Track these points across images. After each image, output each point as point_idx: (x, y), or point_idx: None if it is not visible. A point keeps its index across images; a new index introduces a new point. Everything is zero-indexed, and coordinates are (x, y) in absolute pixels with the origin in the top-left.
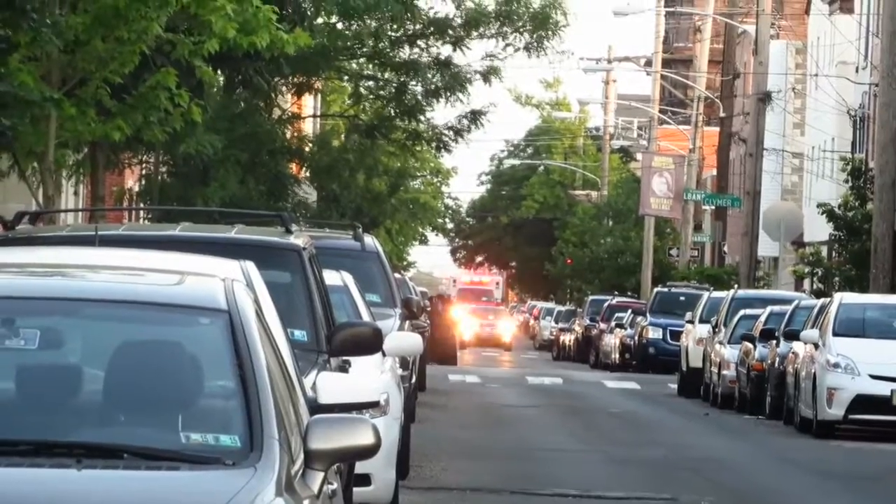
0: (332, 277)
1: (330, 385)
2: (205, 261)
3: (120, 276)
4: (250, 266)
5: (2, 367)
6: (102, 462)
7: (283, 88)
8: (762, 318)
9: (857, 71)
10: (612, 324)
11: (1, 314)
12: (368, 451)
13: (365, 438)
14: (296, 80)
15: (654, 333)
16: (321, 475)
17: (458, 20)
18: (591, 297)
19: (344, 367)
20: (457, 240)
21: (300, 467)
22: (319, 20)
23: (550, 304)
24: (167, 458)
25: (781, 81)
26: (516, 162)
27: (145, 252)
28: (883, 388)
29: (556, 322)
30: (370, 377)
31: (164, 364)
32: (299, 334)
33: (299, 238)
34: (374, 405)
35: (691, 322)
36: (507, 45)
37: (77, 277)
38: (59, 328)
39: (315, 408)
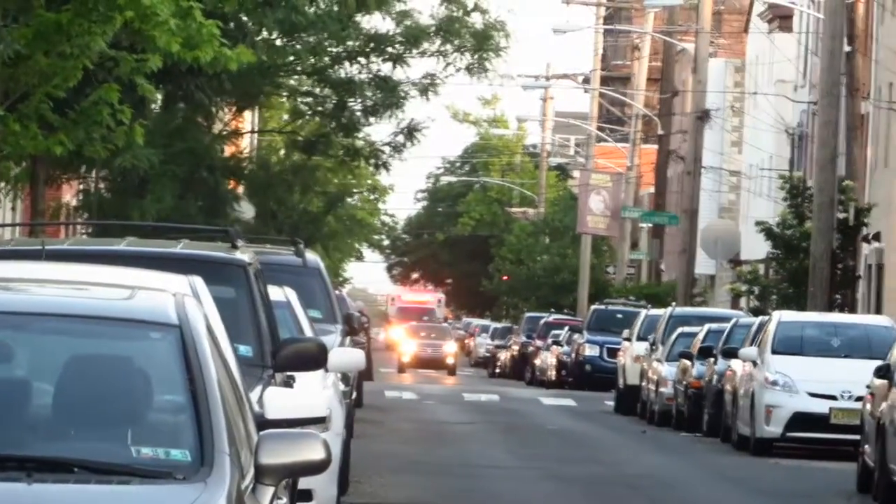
0: (274, 293)
1: (277, 400)
2: (154, 276)
3: (70, 291)
4: (198, 281)
5: None
6: (53, 476)
7: (224, 105)
8: (700, 336)
9: (795, 89)
10: (549, 341)
11: None
12: (319, 467)
13: (316, 454)
14: (236, 96)
15: (590, 351)
16: (271, 490)
17: (399, 38)
18: (527, 315)
19: (288, 383)
20: (393, 256)
21: (250, 482)
22: (259, 37)
23: (486, 322)
24: (118, 473)
25: (720, 99)
26: (453, 179)
27: (93, 266)
28: (821, 406)
29: (492, 339)
30: (316, 393)
31: (114, 378)
32: (244, 349)
33: (245, 253)
34: (321, 421)
35: (629, 339)
36: (448, 64)
37: (26, 292)
38: (9, 342)
39: (262, 423)
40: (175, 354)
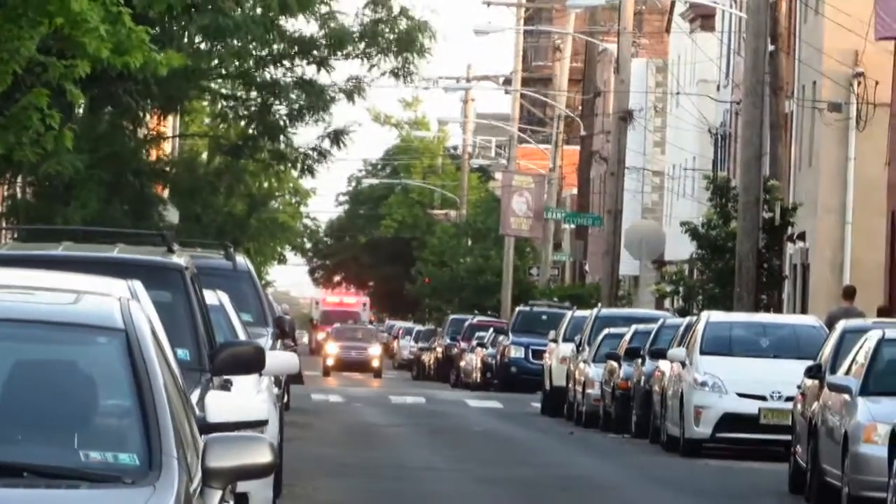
0: (208, 297)
1: (218, 404)
2: (96, 280)
3: (13, 295)
4: (138, 285)
5: None
6: (2, 480)
7: (150, 109)
8: (627, 337)
9: (718, 89)
10: (474, 343)
11: None
12: (266, 470)
13: (263, 457)
14: (161, 100)
15: (516, 352)
16: (219, 493)
17: (323, 41)
18: (451, 317)
19: (226, 386)
20: (315, 259)
21: (198, 485)
22: (185, 41)
23: (410, 324)
24: (67, 477)
25: (642, 100)
26: (375, 181)
27: (33, 271)
28: (750, 407)
29: (416, 341)
30: (254, 396)
31: (61, 383)
32: (182, 353)
33: (181, 257)
34: (263, 423)
35: (554, 341)
36: (373, 66)
37: None
38: None
39: (204, 426)
40: (121, 359)
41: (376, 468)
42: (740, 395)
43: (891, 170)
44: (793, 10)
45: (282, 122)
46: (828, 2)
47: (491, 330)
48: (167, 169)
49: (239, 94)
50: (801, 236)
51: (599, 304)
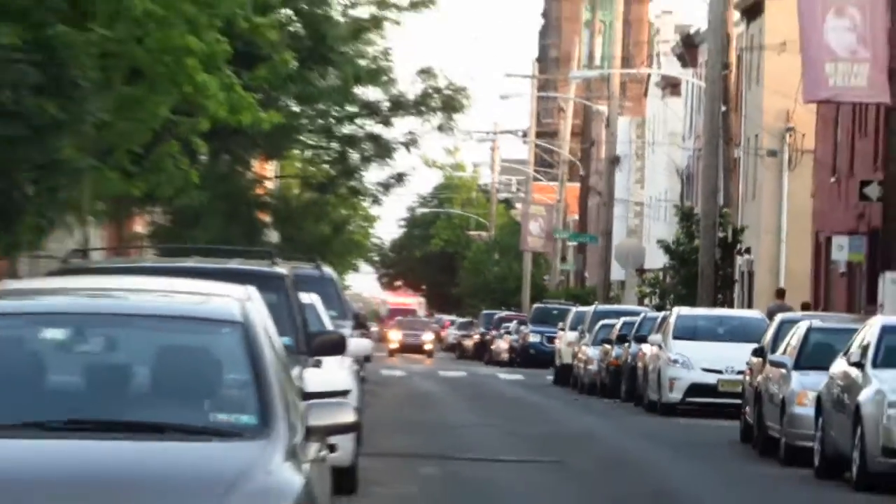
0: (302, 298)
1: (313, 378)
2: (219, 286)
3: (158, 297)
4: (252, 289)
5: (75, 365)
6: (151, 436)
7: (256, 156)
8: (617, 327)
9: (683, 140)
10: (502, 331)
11: (74, 326)
12: (351, 427)
13: (348, 417)
14: (265, 149)
15: (534, 338)
16: (316, 445)
17: (386, 104)
18: (484, 312)
19: (318, 365)
20: (381, 269)
21: (300, 439)
22: (282, 104)
23: (454, 317)
24: (201, 433)
25: (627, 148)
26: (426, 210)
27: (171, 279)
28: (711, 378)
29: (459, 330)
30: (340, 372)
31: (195, 363)
32: (286, 340)
33: (282, 268)
34: (347, 392)
35: (563, 329)
36: (424, 122)
37: (126, 298)
38: (115, 337)
39: (302, 395)
40: (240, 344)
41: (429, 424)
42: (703, 369)
43: (814, 201)
44: (740, 81)
45: (356, 166)
46: (766, 74)
47: (514, 321)
48: (269, 201)
49: (323, 144)
50: (748, 251)
51: (596, 302)
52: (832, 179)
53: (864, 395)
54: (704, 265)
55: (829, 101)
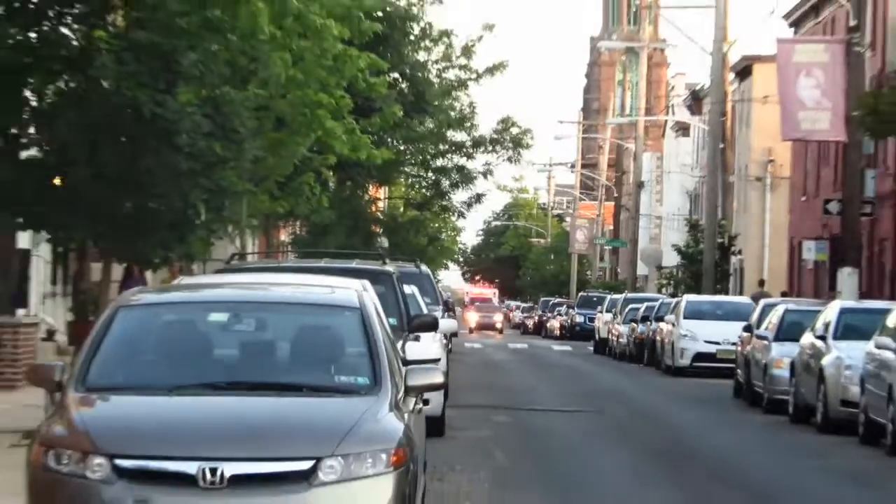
0: (406, 289)
1: (412, 349)
2: (342, 280)
3: (297, 289)
4: (367, 283)
5: (234, 341)
6: (291, 393)
7: (371, 183)
8: (642, 309)
9: (692, 169)
10: (555, 313)
11: (234, 311)
12: (440, 387)
13: (438, 379)
14: (378, 178)
15: (579, 318)
16: (413, 400)
17: (469, 143)
18: (542, 298)
19: (416, 339)
20: (465, 267)
21: (402, 395)
22: (391, 143)
23: (519, 302)
24: (328, 391)
25: (649, 175)
26: (498, 223)
27: (307, 276)
28: (712, 348)
29: (522, 312)
30: (433, 345)
31: (324, 338)
32: (392, 320)
33: (391, 266)
34: (437, 360)
35: (601, 312)
36: (499, 156)
37: (273, 290)
38: (265, 319)
39: (404, 362)
40: (358, 325)
41: (502, 385)
42: (706, 341)
43: (790, 215)
44: (734, 125)
45: (446, 190)
46: (753, 120)
47: (564, 306)
48: (381, 217)
49: (421, 174)
50: (739, 252)
51: (626, 291)
52: (803, 198)
53: (826, 360)
54: (707, 263)
55: (801, 139)
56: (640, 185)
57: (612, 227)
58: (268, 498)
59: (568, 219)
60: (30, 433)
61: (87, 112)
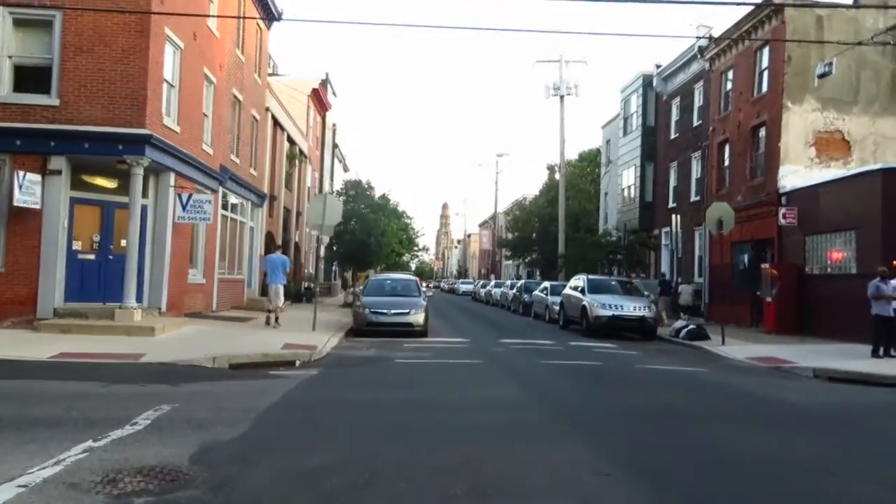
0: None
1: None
2: (406, 273)
3: (398, 275)
4: (412, 276)
5: (391, 286)
6: (405, 296)
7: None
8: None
9: None
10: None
11: (389, 279)
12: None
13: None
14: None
15: None
16: (426, 302)
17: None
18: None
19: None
20: None
21: (425, 301)
22: None
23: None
24: (412, 297)
25: None
26: None
27: (396, 273)
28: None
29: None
30: (425, 294)
31: (408, 285)
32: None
33: (411, 274)
34: (427, 298)
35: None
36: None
37: (393, 275)
38: (396, 281)
39: (425, 297)
40: (415, 284)
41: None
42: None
43: None
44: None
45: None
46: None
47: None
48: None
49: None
50: None
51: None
52: None
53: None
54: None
55: None
56: None
57: None
58: (404, 318)
59: None
60: (347, 304)
61: (354, 236)
